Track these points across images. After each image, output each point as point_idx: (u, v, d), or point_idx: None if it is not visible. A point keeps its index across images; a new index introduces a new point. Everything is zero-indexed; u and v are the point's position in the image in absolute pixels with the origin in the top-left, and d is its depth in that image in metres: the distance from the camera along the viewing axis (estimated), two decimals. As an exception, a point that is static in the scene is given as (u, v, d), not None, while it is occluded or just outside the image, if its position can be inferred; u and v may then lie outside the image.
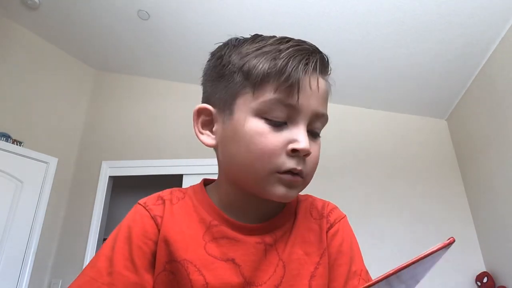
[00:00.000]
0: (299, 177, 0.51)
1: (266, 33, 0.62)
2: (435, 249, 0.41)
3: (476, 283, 2.61)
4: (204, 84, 0.60)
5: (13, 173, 2.88)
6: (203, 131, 0.56)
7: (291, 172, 0.50)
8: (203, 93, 0.59)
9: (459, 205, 2.93)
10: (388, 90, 3.09)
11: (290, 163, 0.50)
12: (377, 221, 2.90)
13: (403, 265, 0.38)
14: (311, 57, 0.52)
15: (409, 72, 2.84)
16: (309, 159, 0.52)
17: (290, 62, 0.50)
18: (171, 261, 0.51)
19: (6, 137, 2.89)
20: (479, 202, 2.79)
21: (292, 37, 0.58)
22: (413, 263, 0.40)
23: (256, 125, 0.50)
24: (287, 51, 0.51)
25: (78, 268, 2.95)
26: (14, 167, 2.89)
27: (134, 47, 3.30)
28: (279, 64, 0.50)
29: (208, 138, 0.56)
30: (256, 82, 0.50)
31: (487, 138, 2.62)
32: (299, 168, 0.50)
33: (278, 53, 0.51)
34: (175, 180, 3.13)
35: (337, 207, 0.64)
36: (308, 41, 0.57)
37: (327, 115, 0.55)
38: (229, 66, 0.54)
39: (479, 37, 2.42)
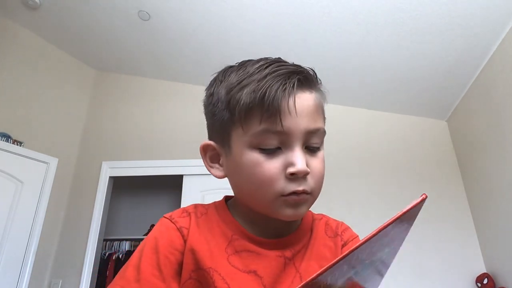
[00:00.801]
0: (304, 195, 0.53)
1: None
2: (409, 207, 0.40)
3: (476, 284, 2.61)
4: (205, 118, 0.62)
5: (14, 173, 2.88)
6: (212, 165, 0.60)
7: (294, 193, 0.52)
8: (207, 126, 0.62)
9: (459, 206, 2.93)
10: (388, 91, 3.10)
11: (291, 186, 0.52)
12: (377, 221, 2.89)
13: (363, 239, 0.38)
14: (289, 80, 0.53)
15: (410, 73, 2.84)
16: (312, 175, 0.53)
17: (268, 91, 0.51)
18: (197, 269, 0.53)
19: (7, 137, 2.89)
20: (479, 203, 2.79)
21: (274, 58, 0.59)
22: (377, 233, 0.39)
23: (251, 157, 0.52)
24: (265, 80, 0.52)
25: (78, 268, 2.96)
26: (15, 167, 2.89)
27: (135, 47, 3.30)
28: (258, 96, 0.51)
29: (217, 170, 0.59)
30: (241, 117, 0.52)
31: (487, 139, 2.63)
32: (300, 189, 0.52)
33: (257, 84, 0.52)
34: (175, 181, 3.13)
35: (349, 228, 0.67)
36: (289, 61, 0.59)
37: (322, 128, 0.57)
38: (219, 104, 0.56)
39: (479, 38, 2.42)
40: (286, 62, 0.58)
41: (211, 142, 0.59)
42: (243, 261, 0.54)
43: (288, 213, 0.53)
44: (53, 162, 3.17)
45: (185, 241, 0.55)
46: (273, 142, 0.52)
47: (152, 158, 3.26)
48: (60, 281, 2.94)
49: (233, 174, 0.57)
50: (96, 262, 3.04)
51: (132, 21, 2.93)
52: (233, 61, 0.65)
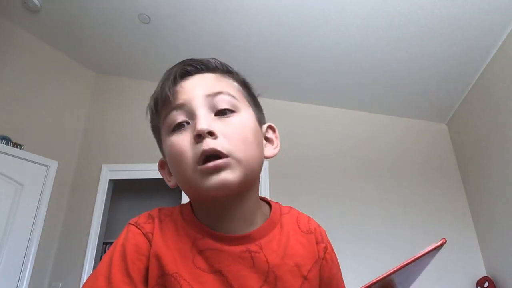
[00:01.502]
0: (222, 160, 0.52)
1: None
2: (427, 250, 0.43)
3: (477, 287, 2.60)
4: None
5: (13, 176, 2.88)
6: (170, 178, 0.63)
7: (207, 159, 0.52)
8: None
9: (459, 209, 2.93)
10: (388, 94, 3.10)
11: (199, 148, 0.52)
12: (377, 224, 2.90)
13: (395, 268, 0.40)
14: (172, 70, 0.61)
15: (410, 76, 2.85)
16: (226, 136, 0.54)
17: (161, 85, 0.60)
18: (163, 275, 0.52)
19: (7, 140, 2.89)
20: (479, 206, 2.79)
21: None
22: (405, 265, 0.42)
23: (168, 142, 0.57)
24: (160, 80, 0.61)
25: (77, 271, 2.95)
26: (14, 170, 2.89)
27: (135, 50, 3.30)
28: (157, 93, 0.60)
29: (171, 181, 0.62)
30: (154, 114, 0.61)
31: (487, 142, 2.62)
32: (208, 148, 0.52)
33: (158, 84, 0.61)
34: (175, 184, 3.13)
35: (319, 225, 0.67)
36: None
37: (226, 92, 0.58)
38: (151, 123, 0.65)
39: (479, 42, 2.42)
40: (190, 58, 0.64)
41: (163, 159, 0.64)
42: (207, 261, 0.54)
43: (212, 182, 0.51)
44: (53, 165, 3.17)
45: (150, 246, 0.55)
46: (179, 117, 0.56)
47: (152, 161, 3.24)
48: (60, 284, 2.93)
49: (172, 171, 0.60)
50: (95, 265, 3.02)
51: (133, 24, 2.94)
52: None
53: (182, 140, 0.54)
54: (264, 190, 3.03)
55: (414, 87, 2.95)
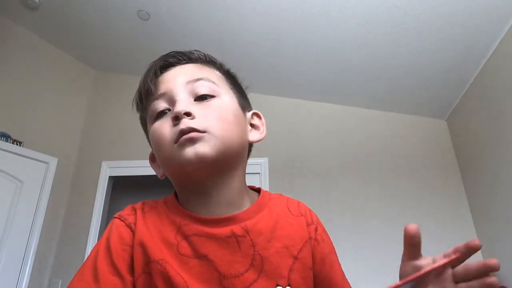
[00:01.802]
0: (197, 133, 0.54)
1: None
2: (441, 263, 0.45)
3: (476, 283, 2.61)
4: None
5: (13, 173, 2.88)
6: (159, 170, 0.64)
7: (182, 133, 0.54)
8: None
9: (459, 206, 2.93)
10: (388, 90, 3.10)
11: (177, 129, 0.55)
12: (376, 221, 2.90)
13: (409, 278, 0.41)
14: (156, 61, 0.64)
15: (409, 72, 2.84)
16: (204, 115, 0.56)
17: (143, 78, 0.63)
18: (148, 262, 0.53)
19: (6, 137, 2.89)
20: (479, 203, 2.79)
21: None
22: (420, 276, 0.43)
23: (152, 129, 0.59)
24: (143, 74, 0.64)
25: (78, 268, 2.95)
26: (14, 167, 2.89)
27: (134, 47, 3.30)
28: (140, 85, 0.63)
29: (159, 173, 0.64)
30: (139, 107, 0.64)
31: (487, 139, 2.63)
32: (185, 127, 0.54)
33: (141, 77, 0.64)
34: (175, 180, 3.13)
35: (310, 209, 0.68)
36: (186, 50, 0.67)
37: (205, 78, 0.61)
38: (139, 112, 0.68)
39: (479, 37, 2.42)
40: (171, 51, 0.67)
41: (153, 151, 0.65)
42: (192, 246, 0.54)
43: (188, 153, 0.53)
44: (53, 162, 3.17)
45: (134, 236, 0.55)
46: (161, 105, 0.59)
47: (151, 158, 3.25)
48: (60, 281, 2.94)
49: (156, 157, 0.62)
50: (96, 262, 3.03)
51: (132, 21, 2.93)
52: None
53: (163, 125, 0.57)
54: (264, 187, 3.04)
55: (414, 84, 2.95)
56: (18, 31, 3.22)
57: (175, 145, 0.54)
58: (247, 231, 0.55)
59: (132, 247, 0.54)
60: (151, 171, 0.66)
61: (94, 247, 0.56)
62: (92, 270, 0.52)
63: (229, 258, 0.53)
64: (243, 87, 0.69)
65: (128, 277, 0.52)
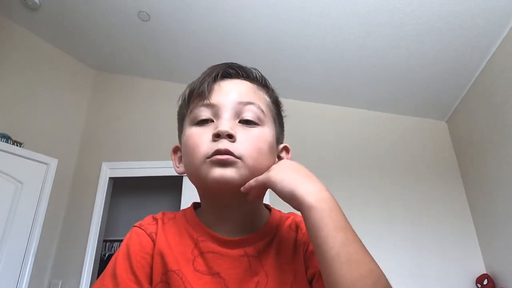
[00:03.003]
0: (230, 156, 0.55)
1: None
2: None
3: (476, 285, 2.61)
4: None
5: (13, 174, 2.88)
6: (179, 165, 0.66)
7: (218, 152, 0.55)
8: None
9: (459, 207, 2.93)
10: (388, 91, 3.10)
11: (215, 146, 0.55)
12: (376, 222, 2.90)
13: None
14: (217, 68, 0.63)
15: (409, 73, 2.84)
16: (241, 143, 0.56)
17: (200, 78, 0.63)
18: (166, 271, 0.55)
19: (6, 138, 2.89)
20: (479, 204, 2.79)
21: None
22: None
23: (189, 132, 0.60)
24: (202, 73, 0.64)
25: (78, 269, 2.95)
26: (14, 168, 2.89)
27: (134, 48, 3.30)
28: (195, 83, 0.63)
29: (180, 168, 0.65)
30: (185, 103, 0.64)
31: (487, 140, 2.62)
32: (223, 148, 0.55)
33: (199, 77, 0.64)
34: (176, 182, 3.13)
35: None
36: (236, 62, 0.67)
37: (256, 104, 0.61)
38: (180, 108, 0.67)
39: (479, 39, 2.42)
40: (233, 63, 0.67)
41: (178, 144, 0.67)
42: (207, 263, 0.56)
43: (215, 173, 0.54)
44: (53, 163, 3.17)
45: (154, 245, 0.57)
46: (205, 114, 0.59)
47: (152, 159, 3.25)
48: (60, 282, 2.94)
49: (183, 160, 0.63)
50: (96, 262, 3.03)
51: (132, 21, 2.93)
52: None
53: (201, 134, 0.58)
54: (264, 188, 3.04)
55: (414, 85, 2.95)
56: (18, 31, 3.23)
57: (207, 159, 0.55)
58: (258, 252, 0.58)
59: (152, 256, 0.56)
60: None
61: (113, 256, 0.58)
62: (112, 277, 0.54)
63: (240, 277, 0.55)
64: (283, 116, 0.71)
65: (146, 286, 0.54)
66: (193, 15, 2.74)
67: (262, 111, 0.61)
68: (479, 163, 2.74)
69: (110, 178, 3.31)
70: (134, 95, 3.68)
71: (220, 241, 0.58)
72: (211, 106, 0.59)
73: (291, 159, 0.69)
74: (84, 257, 2.98)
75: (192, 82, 0.64)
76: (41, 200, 3.01)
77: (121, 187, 3.88)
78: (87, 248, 3.01)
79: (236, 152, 0.55)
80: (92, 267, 2.96)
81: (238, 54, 2.94)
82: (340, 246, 0.47)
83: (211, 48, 3.00)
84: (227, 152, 0.54)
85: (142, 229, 0.59)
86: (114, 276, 0.53)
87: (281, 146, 0.69)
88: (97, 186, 3.25)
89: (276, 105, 0.67)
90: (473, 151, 2.83)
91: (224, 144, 0.55)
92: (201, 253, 0.57)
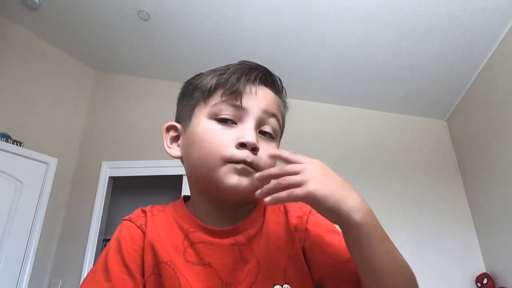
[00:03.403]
0: (251, 168, 0.56)
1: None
2: None
3: (476, 284, 2.61)
4: (177, 106, 0.69)
5: (13, 174, 2.88)
6: (171, 145, 0.65)
7: (243, 162, 0.55)
8: (176, 113, 0.69)
9: (459, 206, 2.93)
10: (388, 91, 3.10)
11: (241, 154, 0.55)
12: (377, 222, 2.90)
13: None
14: (253, 70, 0.61)
15: (409, 73, 2.84)
16: (261, 157, 0.57)
17: (234, 74, 0.59)
18: (158, 263, 0.54)
19: (6, 137, 2.89)
20: (479, 203, 2.79)
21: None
22: None
23: (208, 125, 0.58)
24: (233, 67, 0.61)
25: (78, 269, 2.96)
26: (14, 168, 2.89)
27: (134, 47, 3.30)
28: (225, 77, 0.59)
29: (175, 150, 0.64)
30: (206, 92, 0.60)
31: (487, 139, 2.63)
32: (249, 160, 0.55)
33: (226, 69, 0.61)
34: (175, 181, 3.13)
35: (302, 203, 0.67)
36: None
37: (278, 117, 0.62)
38: (190, 87, 0.64)
39: (479, 38, 2.42)
40: (267, 68, 0.65)
41: (174, 123, 0.65)
42: (198, 253, 0.56)
43: (233, 180, 0.55)
44: (53, 162, 3.17)
45: (144, 237, 0.57)
46: (230, 114, 0.58)
47: (152, 158, 3.25)
48: (60, 281, 2.94)
49: (188, 147, 0.61)
50: (96, 262, 3.03)
51: (132, 21, 2.93)
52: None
53: (223, 134, 0.57)
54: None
55: (414, 84, 2.95)
56: (18, 31, 3.22)
57: (228, 163, 0.55)
58: (248, 240, 0.58)
59: (143, 248, 0.56)
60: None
61: (104, 250, 0.58)
62: (103, 271, 0.54)
63: (231, 267, 0.55)
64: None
65: (138, 277, 0.54)
66: (193, 15, 2.73)
67: (280, 125, 0.62)
68: (479, 162, 2.74)
69: (110, 177, 3.31)
70: (134, 95, 3.67)
71: (210, 231, 0.58)
72: (239, 108, 0.58)
73: None
74: (84, 257, 2.98)
75: (218, 72, 0.62)
76: (41, 199, 3.01)
77: (121, 187, 3.87)
78: (87, 248, 3.01)
79: (256, 165, 0.56)
80: (92, 266, 2.96)
81: (237, 54, 2.93)
82: (385, 256, 0.48)
83: (211, 47, 3.00)
84: (250, 164, 0.55)
85: (132, 222, 0.59)
86: (106, 270, 0.53)
87: None
88: (97, 185, 3.25)
89: (284, 119, 0.68)
90: (473, 150, 2.83)
91: (249, 156, 0.55)
92: (192, 244, 0.57)
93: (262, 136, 0.60)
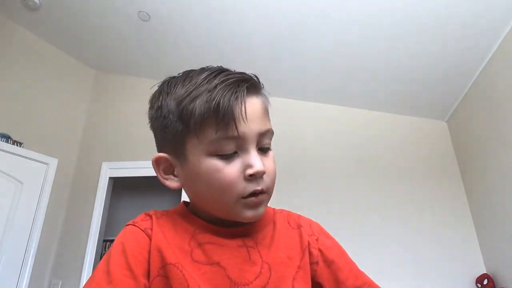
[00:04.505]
0: (262, 195, 0.56)
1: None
2: None
3: (476, 285, 2.61)
4: (153, 131, 0.63)
5: (13, 174, 2.88)
6: (167, 176, 0.61)
7: (254, 194, 0.55)
8: (155, 140, 0.63)
9: (459, 207, 2.93)
10: (388, 91, 3.10)
11: (251, 187, 0.55)
12: (376, 222, 2.90)
13: None
14: (239, 88, 0.55)
15: (409, 73, 2.84)
16: (268, 174, 0.57)
17: (221, 100, 0.53)
18: (164, 265, 0.54)
19: (6, 138, 2.89)
20: (479, 204, 2.79)
21: (217, 67, 0.60)
22: None
23: (210, 164, 0.55)
24: (216, 90, 0.54)
25: (78, 269, 2.95)
26: (14, 168, 2.89)
27: (134, 48, 3.30)
28: (212, 106, 0.53)
29: (173, 181, 0.61)
30: (197, 127, 0.54)
31: (487, 140, 2.63)
32: (259, 188, 0.55)
33: (209, 94, 0.54)
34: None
35: (311, 219, 0.69)
36: (233, 69, 0.59)
37: (271, 129, 0.60)
38: (170, 116, 0.57)
39: (479, 39, 2.42)
40: (230, 70, 0.59)
41: (164, 155, 0.60)
42: (205, 253, 0.56)
43: (249, 214, 0.56)
44: (53, 162, 3.17)
45: (150, 240, 0.56)
46: (230, 148, 0.54)
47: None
48: (60, 282, 2.94)
49: (192, 183, 0.59)
50: (96, 263, 3.03)
51: (132, 21, 2.93)
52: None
53: (233, 171, 0.54)
54: (264, 188, 3.04)
55: (414, 85, 2.95)
56: (18, 31, 3.23)
57: (242, 199, 0.55)
58: (256, 243, 0.59)
59: (149, 252, 0.55)
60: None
61: (105, 254, 0.57)
62: (104, 274, 0.52)
63: (240, 267, 0.56)
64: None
65: (142, 280, 0.53)
66: (193, 15, 2.73)
67: (272, 133, 0.60)
68: (479, 163, 2.74)
69: (110, 178, 3.31)
70: (134, 95, 3.67)
71: (217, 232, 0.58)
72: (236, 138, 0.54)
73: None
74: (84, 257, 2.98)
75: (194, 94, 0.55)
76: (41, 200, 3.01)
77: (121, 187, 3.88)
78: (87, 248, 3.01)
79: (266, 188, 0.57)
80: (92, 267, 2.96)
81: (237, 54, 2.93)
82: None
83: (211, 47, 3.00)
84: (262, 191, 0.56)
85: (137, 226, 0.58)
86: (107, 273, 0.52)
87: None
88: (97, 186, 3.25)
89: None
90: (473, 151, 2.83)
91: (259, 184, 0.55)
92: (199, 244, 0.57)
93: (262, 151, 0.58)
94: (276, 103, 3.35)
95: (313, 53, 2.85)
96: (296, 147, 3.24)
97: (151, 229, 0.57)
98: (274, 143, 0.62)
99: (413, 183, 3.03)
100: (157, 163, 0.61)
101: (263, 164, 0.56)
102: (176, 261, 0.54)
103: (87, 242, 3.03)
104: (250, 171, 0.54)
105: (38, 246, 2.91)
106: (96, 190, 3.23)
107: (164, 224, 0.59)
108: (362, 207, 2.96)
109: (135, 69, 3.63)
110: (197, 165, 0.56)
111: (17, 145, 2.94)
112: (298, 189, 3.05)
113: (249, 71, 0.61)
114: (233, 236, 0.58)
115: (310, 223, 0.68)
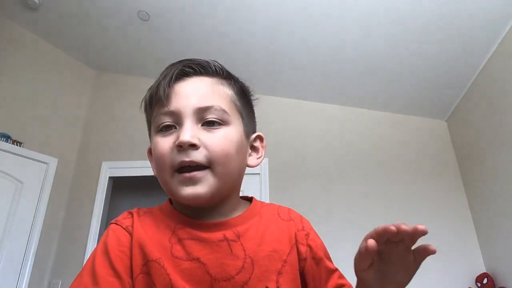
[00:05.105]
0: (198, 172, 0.55)
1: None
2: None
3: (476, 284, 2.61)
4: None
5: (13, 174, 2.88)
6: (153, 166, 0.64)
7: (186, 169, 0.55)
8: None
9: (459, 206, 2.93)
10: (388, 91, 3.10)
11: (179, 157, 0.55)
12: (376, 221, 2.89)
13: None
14: (173, 68, 0.61)
15: (409, 73, 2.84)
16: (207, 149, 0.56)
17: (161, 82, 0.60)
18: (147, 262, 0.54)
19: (6, 137, 2.89)
20: (479, 203, 2.79)
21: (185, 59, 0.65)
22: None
23: (154, 141, 0.59)
24: (159, 77, 0.62)
25: (78, 269, 2.92)
26: (14, 168, 2.89)
27: (134, 47, 3.30)
28: (154, 87, 0.61)
29: (154, 170, 0.63)
30: (148, 110, 0.63)
31: (487, 139, 2.63)
32: (187, 159, 0.55)
33: (157, 79, 0.62)
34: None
35: (301, 216, 0.69)
36: (198, 58, 0.65)
37: (217, 106, 0.59)
38: (145, 106, 0.66)
39: (479, 38, 2.42)
40: (190, 59, 0.64)
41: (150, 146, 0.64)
42: (185, 249, 0.55)
43: (186, 191, 0.55)
44: (53, 162, 3.16)
45: (131, 238, 0.56)
46: (167, 121, 0.58)
47: (152, 159, 3.25)
48: (60, 282, 2.93)
49: (154, 168, 0.62)
50: (96, 262, 3.03)
51: (132, 21, 2.93)
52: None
53: (165, 143, 0.57)
54: (264, 187, 3.04)
55: (414, 84, 2.95)
56: (18, 31, 3.22)
57: (175, 173, 0.56)
58: (238, 236, 0.58)
59: (131, 249, 0.55)
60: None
61: (91, 254, 0.57)
62: (90, 274, 0.53)
63: (220, 262, 0.55)
64: (253, 103, 0.69)
65: (126, 278, 0.53)
66: (192, 15, 2.73)
67: (224, 111, 0.60)
68: (479, 162, 2.74)
69: (110, 177, 3.31)
70: (134, 95, 3.66)
71: (198, 225, 0.58)
72: (171, 113, 0.58)
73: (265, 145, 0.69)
74: (84, 257, 2.98)
75: (151, 86, 0.63)
76: (41, 199, 3.01)
77: (121, 187, 3.87)
78: (87, 248, 3.01)
79: (202, 161, 0.55)
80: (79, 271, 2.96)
81: (238, 53, 2.93)
82: None
83: (211, 47, 3.00)
84: (191, 163, 0.55)
85: (118, 225, 0.58)
86: (93, 273, 0.52)
87: (254, 136, 0.67)
88: (97, 185, 3.25)
89: (241, 95, 0.65)
90: (473, 150, 2.83)
91: (188, 154, 0.55)
92: (179, 240, 0.56)
93: (208, 126, 0.58)
94: (276, 102, 3.37)
95: (313, 53, 2.85)
96: (296, 146, 3.24)
97: (132, 226, 0.58)
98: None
99: (412, 182, 3.04)
100: (150, 153, 0.65)
101: (203, 139, 0.56)
102: (157, 257, 0.54)
103: (87, 241, 3.03)
104: (176, 141, 0.55)
105: (38, 245, 2.91)
106: (96, 190, 3.23)
107: (146, 221, 0.59)
108: (362, 206, 2.96)
109: (135, 68, 3.63)
110: (152, 144, 0.60)
111: (17, 145, 2.94)
112: (297, 188, 3.05)
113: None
114: (214, 229, 0.58)
115: (301, 218, 0.67)
